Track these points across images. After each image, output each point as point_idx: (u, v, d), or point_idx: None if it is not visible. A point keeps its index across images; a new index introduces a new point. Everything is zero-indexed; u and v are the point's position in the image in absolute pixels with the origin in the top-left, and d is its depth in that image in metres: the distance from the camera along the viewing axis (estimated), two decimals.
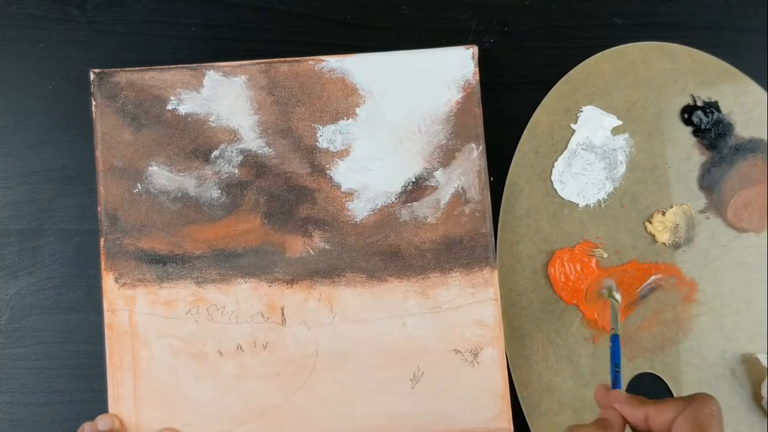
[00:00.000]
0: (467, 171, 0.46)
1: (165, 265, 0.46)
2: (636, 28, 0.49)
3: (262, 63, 0.46)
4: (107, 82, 0.46)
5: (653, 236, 0.47)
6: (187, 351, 0.45)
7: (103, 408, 0.45)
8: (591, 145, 0.48)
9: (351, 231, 0.46)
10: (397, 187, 0.46)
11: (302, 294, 0.46)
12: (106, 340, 0.45)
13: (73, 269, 0.47)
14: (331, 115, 0.46)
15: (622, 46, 0.49)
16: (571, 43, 0.49)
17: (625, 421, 0.32)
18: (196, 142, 0.46)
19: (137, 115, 0.46)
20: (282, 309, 0.46)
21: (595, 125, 0.48)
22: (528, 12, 0.50)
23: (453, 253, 0.46)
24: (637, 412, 0.32)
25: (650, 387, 0.47)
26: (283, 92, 0.46)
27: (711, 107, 0.48)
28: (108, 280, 0.45)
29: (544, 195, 0.48)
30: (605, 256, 0.47)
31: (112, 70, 0.46)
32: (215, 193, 0.46)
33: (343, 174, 0.46)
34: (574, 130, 0.48)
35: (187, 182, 0.46)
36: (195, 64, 0.46)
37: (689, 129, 0.48)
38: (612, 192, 0.48)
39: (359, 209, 0.46)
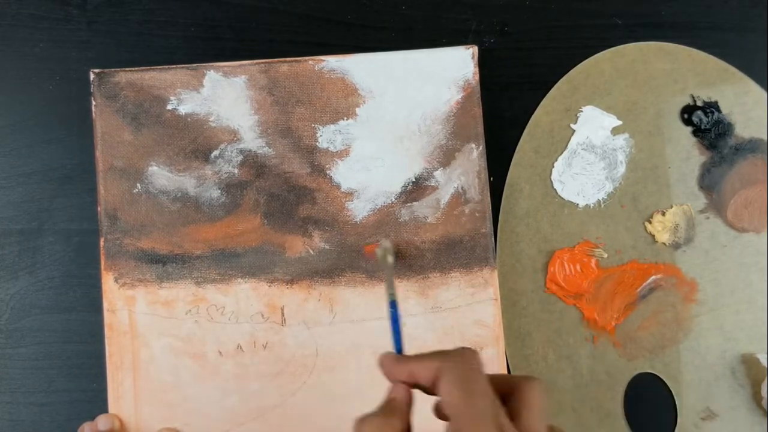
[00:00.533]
0: (467, 171, 0.46)
1: (165, 265, 0.46)
2: (636, 28, 0.49)
3: (262, 63, 0.46)
4: (107, 82, 0.46)
5: (653, 236, 0.47)
6: (187, 351, 0.45)
7: (103, 408, 0.45)
8: (591, 145, 0.48)
9: (351, 231, 0.46)
10: (397, 187, 0.46)
11: (302, 294, 0.46)
12: (106, 340, 0.45)
13: (73, 269, 0.47)
14: (331, 115, 0.46)
15: (622, 46, 0.49)
16: (571, 43, 0.49)
17: (410, 396, 0.31)
18: (196, 142, 0.46)
19: (137, 115, 0.46)
20: (282, 309, 0.46)
21: (595, 125, 0.48)
22: (528, 12, 0.50)
23: (453, 253, 0.46)
24: (402, 371, 0.31)
25: (650, 387, 0.47)
26: (283, 92, 0.46)
27: (711, 107, 0.48)
28: (108, 280, 0.45)
29: (544, 195, 0.48)
30: (605, 256, 0.47)
31: (112, 70, 0.46)
32: (215, 193, 0.46)
33: (343, 174, 0.46)
34: (574, 130, 0.48)
35: (187, 182, 0.46)
36: (195, 64, 0.46)
37: (689, 129, 0.48)
38: (612, 192, 0.48)
39: (359, 209, 0.46)
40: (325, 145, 0.46)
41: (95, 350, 0.46)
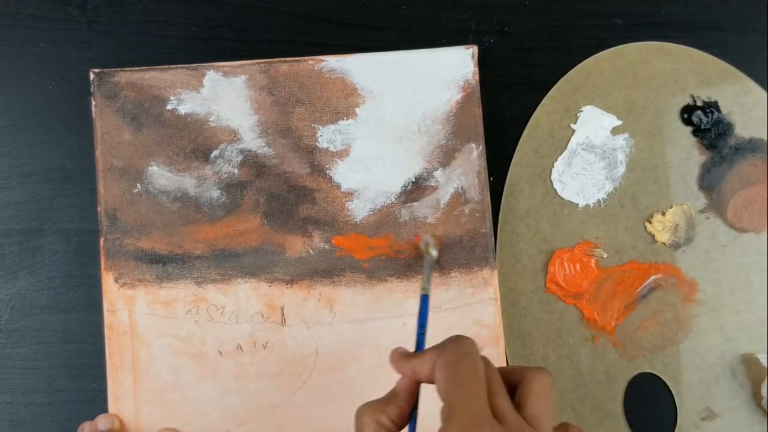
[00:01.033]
0: (467, 171, 0.46)
1: (165, 265, 0.46)
2: (636, 28, 0.49)
3: (262, 63, 0.46)
4: (107, 82, 0.46)
5: (653, 236, 0.47)
6: (187, 351, 0.45)
7: (103, 408, 0.45)
8: (591, 145, 0.48)
9: (351, 231, 0.46)
10: (397, 187, 0.46)
11: (302, 294, 0.46)
12: (106, 340, 0.45)
13: (73, 269, 0.47)
14: (331, 115, 0.46)
15: (621, 46, 0.49)
16: (571, 43, 0.49)
17: (416, 388, 0.32)
18: (195, 142, 0.46)
19: (137, 115, 0.46)
20: (282, 309, 0.46)
21: (595, 125, 0.48)
22: (528, 12, 0.50)
23: (453, 253, 0.46)
24: (406, 368, 0.31)
25: (650, 387, 0.47)
26: (283, 92, 0.46)
27: (711, 107, 0.48)
28: (108, 280, 0.45)
29: (544, 195, 0.48)
30: (605, 256, 0.47)
31: (112, 70, 0.46)
32: (215, 193, 0.46)
33: (342, 174, 0.46)
34: (574, 130, 0.48)
35: (187, 182, 0.46)
36: (195, 64, 0.46)
37: (689, 129, 0.48)
38: (612, 192, 0.48)
39: (359, 209, 0.46)
40: (325, 145, 0.46)
41: (95, 350, 0.46)
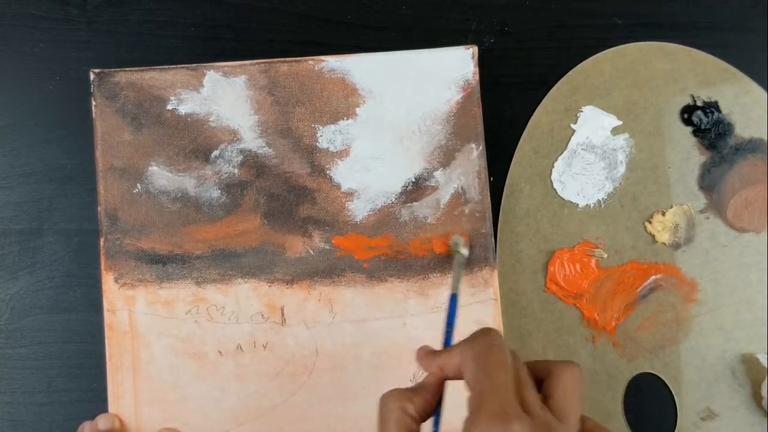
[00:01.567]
0: (467, 171, 0.46)
1: (165, 265, 0.46)
2: (636, 28, 0.49)
3: (262, 63, 0.46)
4: (107, 82, 0.46)
5: (653, 236, 0.47)
6: (187, 351, 0.45)
7: (103, 408, 0.45)
8: (591, 145, 0.48)
9: (351, 231, 0.46)
10: (397, 187, 0.46)
11: (302, 294, 0.46)
12: (106, 340, 0.45)
13: (73, 269, 0.47)
14: (331, 115, 0.46)
15: (622, 46, 0.49)
16: (571, 43, 0.49)
17: (442, 383, 0.32)
18: (196, 142, 0.46)
19: (137, 115, 0.46)
20: (282, 309, 0.46)
21: (595, 125, 0.48)
22: (528, 12, 0.50)
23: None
24: (433, 365, 0.31)
25: (650, 387, 0.47)
26: (283, 92, 0.46)
27: (711, 107, 0.48)
28: (108, 280, 0.45)
29: (544, 195, 0.48)
30: (605, 256, 0.47)
31: (112, 70, 0.46)
32: (215, 193, 0.46)
33: (343, 174, 0.46)
34: (574, 130, 0.48)
35: (187, 182, 0.46)
36: (195, 64, 0.46)
37: (689, 129, 0.48)
38: (612, 192, 0.48)
39: (359, 209, 0.46)
40: (325, 145, 0.46)
41: (95, 350, 0.46)
